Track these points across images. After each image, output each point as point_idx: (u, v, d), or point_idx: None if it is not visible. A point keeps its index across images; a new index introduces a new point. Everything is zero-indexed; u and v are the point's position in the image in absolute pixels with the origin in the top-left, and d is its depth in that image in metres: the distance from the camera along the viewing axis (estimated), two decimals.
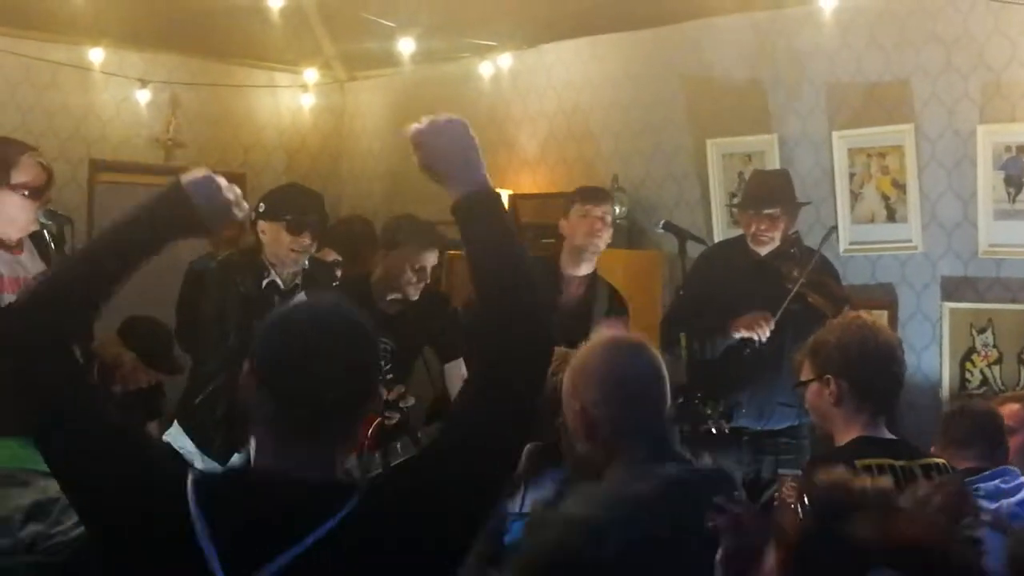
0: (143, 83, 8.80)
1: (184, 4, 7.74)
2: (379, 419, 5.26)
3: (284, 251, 5.33)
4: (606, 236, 6.10)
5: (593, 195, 6.18)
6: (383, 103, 9.59)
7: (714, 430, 5.44)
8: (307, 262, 5.42)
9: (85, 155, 8.74)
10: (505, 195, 8.08)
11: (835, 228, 6.03)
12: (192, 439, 5.24)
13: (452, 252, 8.20)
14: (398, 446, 5.28)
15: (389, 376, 5.58)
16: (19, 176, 4.79)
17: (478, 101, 8.60)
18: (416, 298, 5.83)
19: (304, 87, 9.47)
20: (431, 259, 5.82)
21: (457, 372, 5.87)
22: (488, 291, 2.58)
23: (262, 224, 5.37)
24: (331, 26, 8.53)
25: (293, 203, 5.38)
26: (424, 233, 5.90)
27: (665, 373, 3.16)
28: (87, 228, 8.48)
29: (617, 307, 6.14)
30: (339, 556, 2.33)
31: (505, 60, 8.32)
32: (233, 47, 8.99)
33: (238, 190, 2.90)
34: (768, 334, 5.66)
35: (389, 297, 5.80)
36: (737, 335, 5.73)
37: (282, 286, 5.36)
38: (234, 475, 2.70)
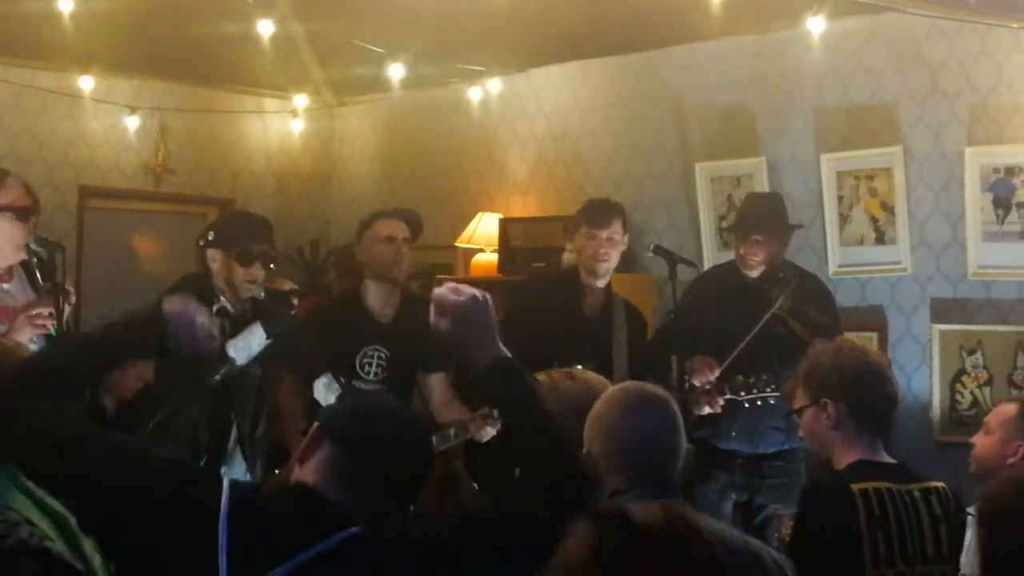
0: (132, 110, 8.81)
1: (172, 31, 7.74)
2: None
3: (236, 281, 5.28)
4: (615, 256, 6.00)
5: (598, 217, 6.01)
6: (372, 128, 9.61)
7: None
8: (262, 293, 5.33)
9: (74, 181, 8.74)
10: (495, 219, 8.10)
11: (791, 283, 5.98)
12: None
13: (440, 276, 8.23)
14: None
15: (377, 380, 5.73)
16: (3, 197, 4.78)
17: (467, 126, 8.63)
18: (402, 276, 5.86)
19: (293, 113, 9.48)
20: (394, 227, 5.82)
21: (439, 385, 5.94)
22: (525, 446, 2.79)
23: (211, 252, 5.31)
24: (320, 52, 8.54)
25: (242, 233, 5.32)
26: (383, 211, 6.01)
27: (680, 428, 3.22)
28: (76, 254, 8.51)
29: (637, 322, 6.13)
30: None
31: (494, 85, 8.33)
32: (222, 73, 8.99)
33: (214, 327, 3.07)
34: (710, 382, 5.64)
35: (382, 301, 5.84)
36: (686, 375, 5.74)
37: (232, 311, 5.29)
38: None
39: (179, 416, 5.06)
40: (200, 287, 5.34)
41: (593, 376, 3.86)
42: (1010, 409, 4.34)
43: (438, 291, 2.90)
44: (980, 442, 4.37)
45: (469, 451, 6.44)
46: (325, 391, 5.25)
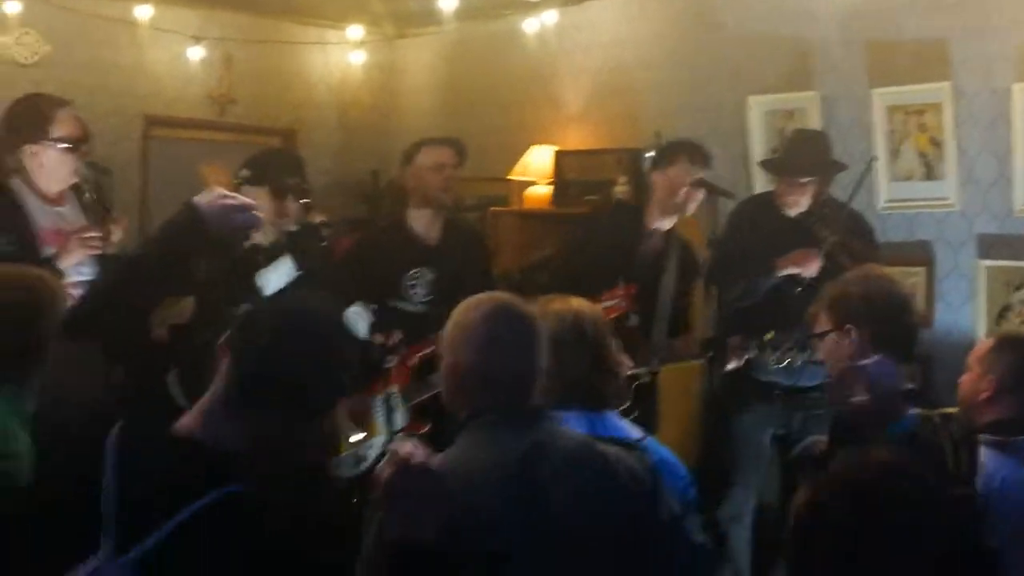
0: (196, 40, 8.91)
1: None
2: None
3: (269, 216, 5.24)
4: (700, 198, 5.97)
5: (701, 158, 5.93)
6: (432, 60, 9.68)
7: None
8: (294, 226, 5.36)
9: (139, 111, 8.86)
10: (549, 151, 8.16)
11: (876, 158, 5.94)
12: (181, 389, 5.24)
13: (495, 208, 8.32)
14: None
15: (424, 301, 5.87)
16: (57, 130, 4.97)
17: (524, 58, 8.68)
18: (449, 202, 6.02)
19: (354, 44, 9.55)
20: (443, 154, 5.95)
21: None
22: None
23: (245, 189, 5.31)
24: None
25: (275, 168, 5.36)
26: (429, 138, 6.11)
27: (541, 348, 3.16)
28: (141, 182, 8.69)
29: (688, 264, 6.11)
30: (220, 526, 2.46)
31: (550, 16, 8.35)
32: (285, 4, 9.07)
33: (249, 203, 3.16)
34: (816, 270, 5.64)
35: (426, 225, 5.98)
36: (783, 272, 5.74)
37: (265, 246, 5.31)
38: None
39: (211, 345, 5.17)
40: None
41: (578, 302, 3.90)
42: (986, 344, 4.23)
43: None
44: (963, 380, 4.24)
45: None
46: (355, 319, 5.35)
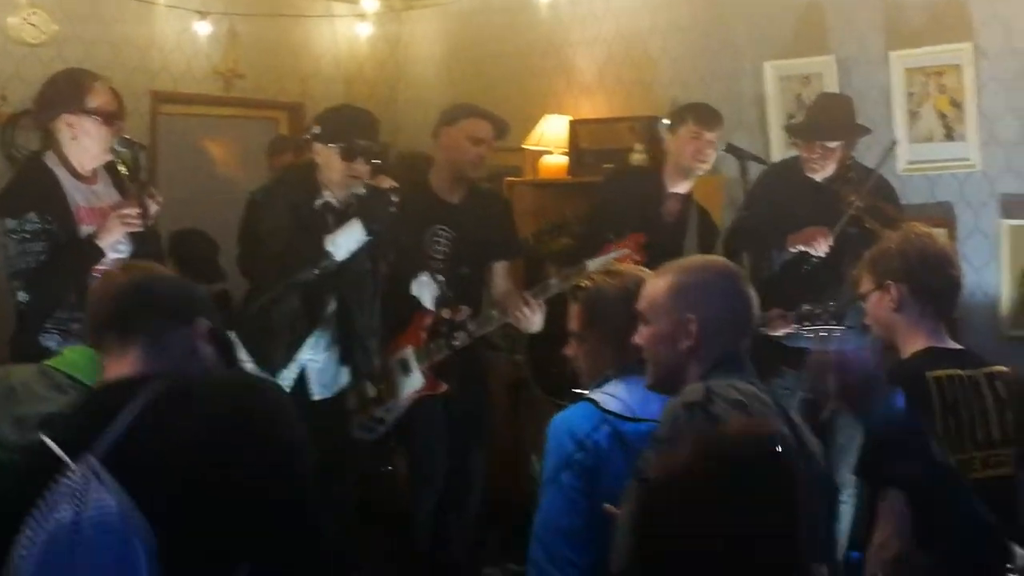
0: (202, 15, 8.86)
1: None
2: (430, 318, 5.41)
3: (338, 176, 5.32)
4: (712, 160, 6.11)
5: (707, 118, 6.10)
6: (440, 31, 9.63)
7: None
8: (363, 189, 5.37)
9: (148, 87, 8.82)
10: (564, 121, 8.13)
11: (896, 143, 5.96)
12: (246, 349, 5.25)
13: (510, 179, 8.30)
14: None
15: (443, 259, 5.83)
16: (93, 100, 4.96)
17: (536, 27, 8.64)
18: (477, 176, 6.02)
19: (361, 16, 9.50)
20: (483, 129, 5.93)
21: (500, 274, 6.04)
22: None
23: (316, 147, 5.36)
24: None
25: (346, 127, 5.34)
26: (475, 109, 6.06)
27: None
28: (151, 159, 8.64)
29: (708, 229, 6.19)
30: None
31: None
32: None
33: None
34: (827, 249, 5.67)
35: (449, 186, 5.99)
36: (794, 249, 5.75)
37: (336, 205, 5.37)
38: None
39: (279, 305, 5.19)
40: (304, 179, 5.44)
41: (629, 268, 3.95)
42: None
43: None
44: None
45: (533, 355, 6.53)
46: (422, 288, 5.35)
